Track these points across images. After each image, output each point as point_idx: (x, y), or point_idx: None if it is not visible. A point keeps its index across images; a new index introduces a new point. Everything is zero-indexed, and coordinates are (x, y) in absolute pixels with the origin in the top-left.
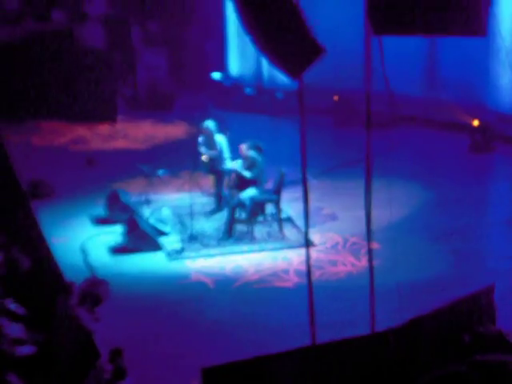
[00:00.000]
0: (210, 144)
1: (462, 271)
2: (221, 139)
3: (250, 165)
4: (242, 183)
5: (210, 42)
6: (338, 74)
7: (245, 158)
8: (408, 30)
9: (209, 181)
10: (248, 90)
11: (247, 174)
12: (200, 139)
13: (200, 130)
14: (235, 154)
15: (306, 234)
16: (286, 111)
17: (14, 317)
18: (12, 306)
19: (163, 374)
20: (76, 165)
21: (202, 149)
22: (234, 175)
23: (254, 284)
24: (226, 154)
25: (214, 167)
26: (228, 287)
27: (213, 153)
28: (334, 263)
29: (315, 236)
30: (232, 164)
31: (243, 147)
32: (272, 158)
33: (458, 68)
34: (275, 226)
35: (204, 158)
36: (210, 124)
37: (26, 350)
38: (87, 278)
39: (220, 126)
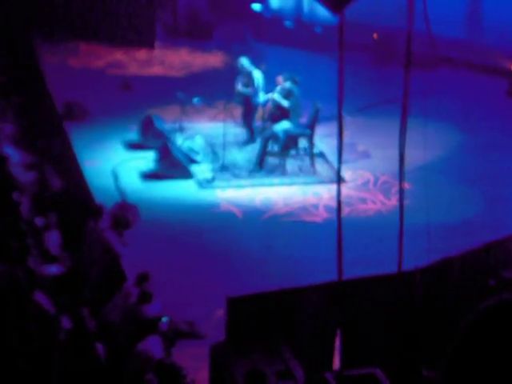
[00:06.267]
0: (247, 81)
1: (492, 216)
2: (258, 75)
3: (286, 95)
4: (277, 115)
5: None
6: (379, 11)
7: (282, 89)
8: None
9: (239, 112)
10: (287, 23)
11: (285, 102)
12: (238, 76)
13: (237, 66)
14: (271, 87)
15: (339, 169)
16: (325, 46)
17: None
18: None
19: (189, 301)
20: (111, 89)
21: (239, 86)
22: (269, 106)
23: (282, 217)
24: (262, 89)
25: (248, 100)
26: (256, 219)
27: (249, 90)
28: (363, 201)
29: (346, 173)
30: (268, 95)
31: (280, 78)
32: (307, 92)
33: (502, 12)
34: (307, 161)
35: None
36: (244, 61)
37: (54, 269)
38: (117, 202)
39: (256, 58)
